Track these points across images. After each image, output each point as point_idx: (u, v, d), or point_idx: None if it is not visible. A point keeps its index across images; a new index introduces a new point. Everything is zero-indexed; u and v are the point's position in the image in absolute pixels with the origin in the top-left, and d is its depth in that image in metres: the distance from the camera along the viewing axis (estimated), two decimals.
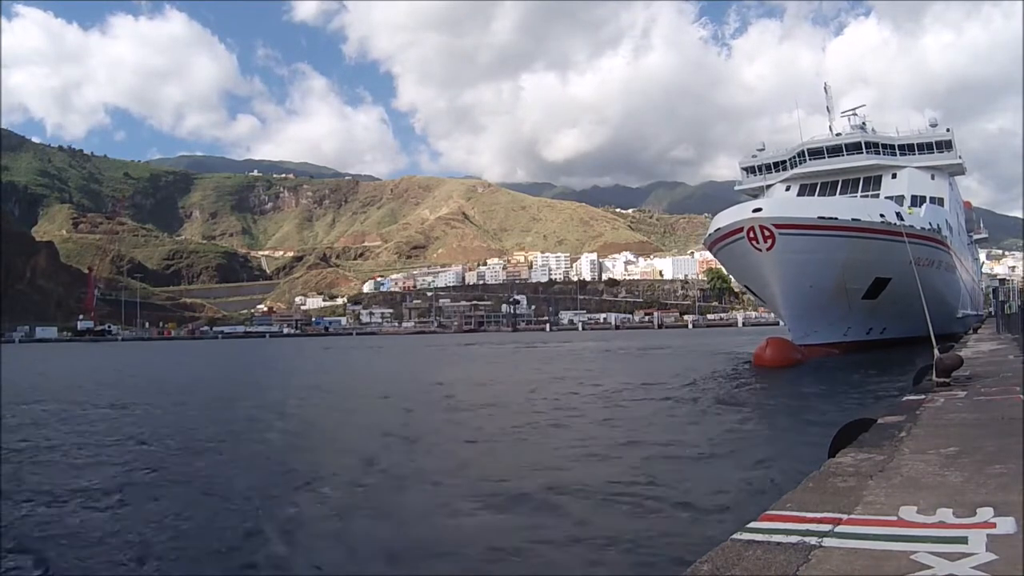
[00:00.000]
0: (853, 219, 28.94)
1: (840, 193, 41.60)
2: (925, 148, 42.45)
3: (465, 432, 13.52)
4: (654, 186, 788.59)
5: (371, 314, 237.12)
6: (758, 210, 27.85)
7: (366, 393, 23.42)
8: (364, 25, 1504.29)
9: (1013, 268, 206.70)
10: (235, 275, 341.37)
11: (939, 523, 3.26)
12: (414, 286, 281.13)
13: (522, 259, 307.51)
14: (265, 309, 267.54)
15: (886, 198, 37.67)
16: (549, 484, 8.81)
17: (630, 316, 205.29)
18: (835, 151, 42.68)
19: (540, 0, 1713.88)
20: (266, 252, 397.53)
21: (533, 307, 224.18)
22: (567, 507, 7.67)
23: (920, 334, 15.73)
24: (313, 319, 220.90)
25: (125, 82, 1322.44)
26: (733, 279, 79.63)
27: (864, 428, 6.20)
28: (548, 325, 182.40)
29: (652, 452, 10.78)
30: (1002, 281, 73.31)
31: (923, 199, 39.36)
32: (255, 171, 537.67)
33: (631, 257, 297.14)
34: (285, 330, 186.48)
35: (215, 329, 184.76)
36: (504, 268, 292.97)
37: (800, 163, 43.99)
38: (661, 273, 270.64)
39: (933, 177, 42.29)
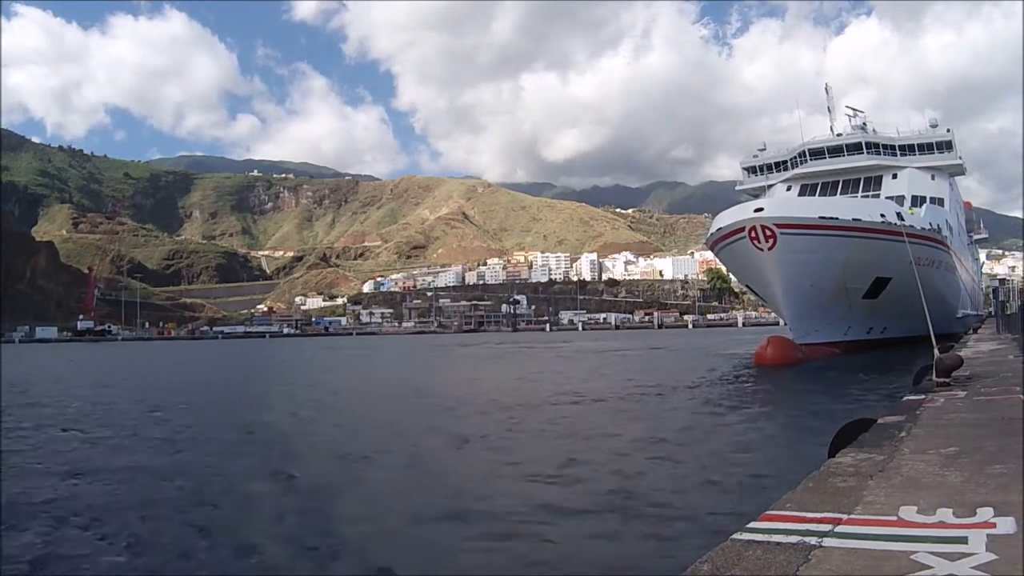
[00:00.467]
0: (854, 219, 29.05)
1: (841, 193, 41.68)
2: (925, 148, 42.55)
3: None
4: (654, 186, 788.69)
5: (371, 314, 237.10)
6: (759, 210, 27.98)
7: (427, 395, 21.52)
8: (364, 24, 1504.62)
9: (1013, 268, 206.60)
10: (235, 275, 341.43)
11: (939, 523, 3.26)
12: (414, 286, 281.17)
13: (522, 259, 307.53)
14: (265, 309, 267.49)
15: (887, 198, 37.75)
16: (549, 485, 8.83)
17: (630, 316, 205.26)
18: (836, 151, 42.77)
19: (540, 0, 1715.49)
20: (266, 252, 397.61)
21: (533, 307, 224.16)
22: (567, 507, 7.68)
23: (920, 334, 15.74)
24: (313, 319, 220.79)
25: (125, 82, 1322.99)
26: (733, 279, 79.72)
27: (864, 428, 6.20)
28: (548, 325, 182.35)
29: (652, 451, 10.78)
30: (1002, 281, 73.23)
31: (923, 199, 39.43)
32: (255, 171, 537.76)
33: (631, 257, 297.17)
34: (285, 330, 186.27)
35: (215, 329, 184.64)
36: (504, 268, 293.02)
37: (801, 163, 44.07)
38: (661, 273, 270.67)
39: (933, 177, 42.38)
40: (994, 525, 3.15)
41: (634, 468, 9.59)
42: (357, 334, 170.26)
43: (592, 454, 10.83)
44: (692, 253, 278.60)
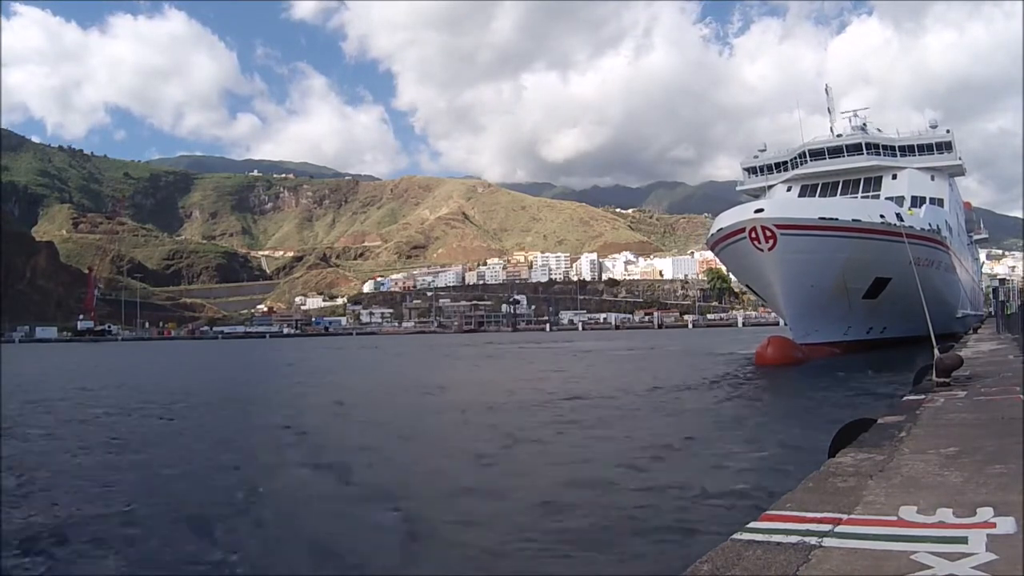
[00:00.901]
0: (853, 220, 29.14)
1: (841, 194, 41.77)
2: (925, 149, 42.62)
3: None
4: (654, 186, 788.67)
5: (371, 314, 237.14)
6: (760, 211, 28.09)
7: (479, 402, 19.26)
8: (364, 23, 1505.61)
9: (1013, 268, 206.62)
10: (235, 275, 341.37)
11: (939, 523, 3.26)
12: (414, 286, 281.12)
13: (522, 259, 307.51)
14: (265, 309, 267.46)
15: (886, 199, 37.81)
16: (549, 484, 8.83)
17: (630, 316, 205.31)
18: (836, 152, 42.85)
19: (540, 0, 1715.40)
20: (266, 252, 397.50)
21: (533, 307, 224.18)
22: (566, 507, 7.69)
23: (920, 334, 15.75)
24: (313, 319, 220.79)
25: (125, 81, 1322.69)
26: (733, 279, 79.78)
27: (864, 428, 6.20)
28: (548, 325, 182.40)
29: (652, 451, 10.78)
30: (1002, 281, 73.30)
31: (923, 200, 39.53)
32: (255, 171, 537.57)
33: (631, 257, 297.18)
34: (285, 330, 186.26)
35: (215, 329, 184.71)
36: (504, 268, 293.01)
37: (801, 164, 44.15)
38: (661, 273, 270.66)
39: (933, 178, 42.46)
40: (994, 525, 3.14)
41: (634, 468, 9.59)
42: (357, 334, 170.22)
43: (592, 454, 10.84)
44: (692, 253, 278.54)
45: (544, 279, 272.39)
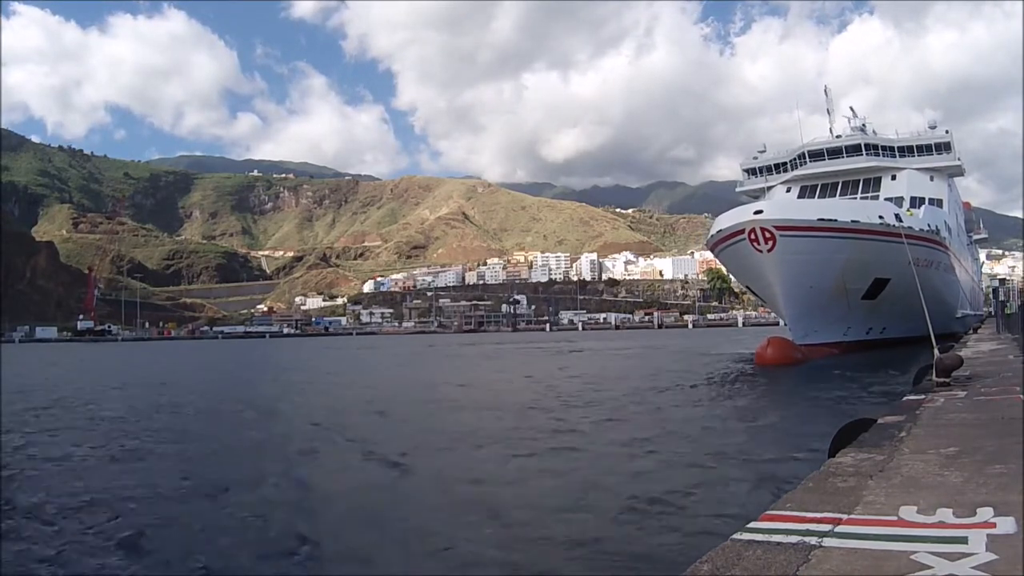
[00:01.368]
0: (852, 221, 29.19)
1: (840, 195, 41.80)
2: (924, 150, 42.65)
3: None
4: (654, 186, 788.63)
5: (371, 314, 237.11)
6: (759, 212, 28.18)
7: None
8: (363, 22, 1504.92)
9: (1013, 268, 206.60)
10: (235, 275, 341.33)
11: (939, 523, 3.26)
12: (414, 286, 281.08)
13: (522, 259, 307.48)
14: (265, 309, 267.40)
15: (885, 200, 37.83)
16: (548, 485, 8.84)
17: (630, 316, 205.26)
18: (835, 153, 42.89)
19: (541, 0, 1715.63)
20: (266, 252, 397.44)
21: (533, 307, 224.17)
22: (566, 507, 7.69)
23: (919, 334, 15.75)
24: (313, 319, 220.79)
25: (125, 81, 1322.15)
26: (733, 279, 79.74)
27: (864, 428, 6.20)
28: (548, 325, 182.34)
29: (652, 451, 10.79)
30: (1002, 281, 73.32)
31: (922, 200, 39.57)
32: (255, 171, 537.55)
33: (631, 257, 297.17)
34: (285, 330, 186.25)
35: (215, 329, 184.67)
36: (504, 268, 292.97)
37: (800, 165, 44.18)
38: (661, 273, 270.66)
39: (932, 179, 42.49)
40: (994, 525, 3.14)
41: (634, 468, 9.60)
42: (357, 334, 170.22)
43: (593, 453, 10.85)
44: (692, 253, 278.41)
45: (544, 279, 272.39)
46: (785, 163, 45.71)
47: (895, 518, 3.36)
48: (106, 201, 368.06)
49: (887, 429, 6.06)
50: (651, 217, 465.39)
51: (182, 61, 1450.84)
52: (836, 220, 28.80)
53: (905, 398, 8.72)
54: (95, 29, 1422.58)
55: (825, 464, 4.83)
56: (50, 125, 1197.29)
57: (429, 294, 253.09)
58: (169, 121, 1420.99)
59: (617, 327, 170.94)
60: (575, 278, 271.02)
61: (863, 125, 45.70)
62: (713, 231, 31.09)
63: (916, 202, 39.33)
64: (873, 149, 42.33)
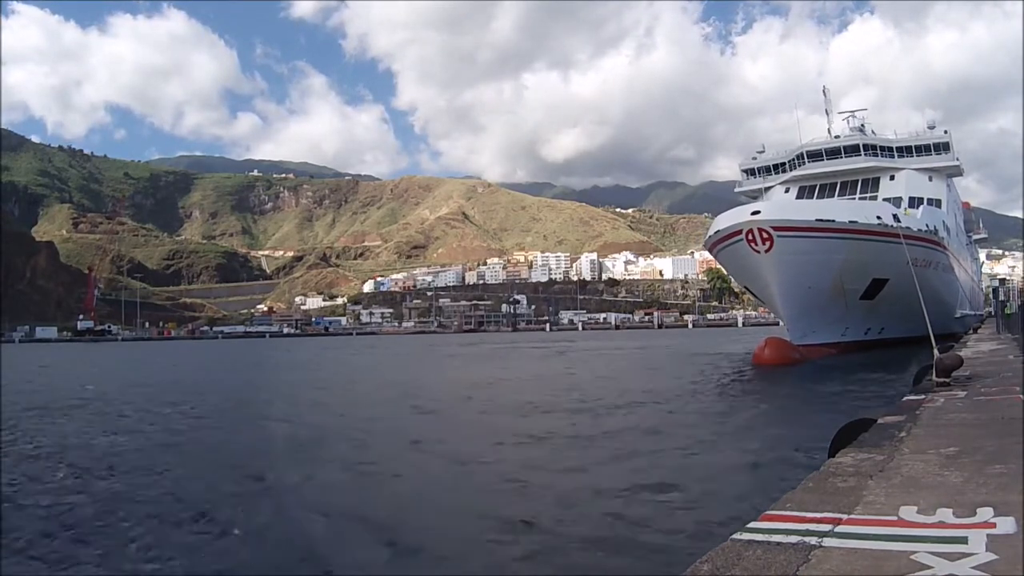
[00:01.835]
0: (850, 221, 29.19)
1: (839, 195, 41.79)
2: (923, 150, 42.62)
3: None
4: (654, 186, 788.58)
5: (371, 314, 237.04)
6: (756, 213, 28.21)
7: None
8: (363, 22, 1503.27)
9: (1013, 268, 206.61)
10: (235, 275, 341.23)
11: (939, 523, 3.26)
12: (414, 286, 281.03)
13: (522, 259, 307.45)
14: (265, 309, 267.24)
15: (884, 200, 37.83)
16: (546, 485, 8.84)
17: (630, 316, 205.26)
18: (834, 153, 42.87)
19: (541, 0, 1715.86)
20: (266, 252, 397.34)
21: (533, 307, 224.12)
22: (565, 507, 7.69)
23: (918, 334, 15.75)
24: (313, 319, 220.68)
25: (125, 80, 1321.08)
26: (733, 279, 79.72)
27: (864, 428, 6.20)
28: (548, 325, 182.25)
29: (652, 452, 10.79)
30: (1002, 281, 73.32)
31: (920, 201, 39.57)
32: (255, 171, 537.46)
33: (631, 257, 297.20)
34: (285, 330, 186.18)
35: (215, 329, 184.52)
36: (504, 268, 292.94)
37: (799, 165, 44.17)
38: (661, 273, 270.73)
39: (931, 179, 42.45)
40: (994, 525, 3.15)
41: (634, 468, 9.60)
42: (357, 334, 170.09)
43: (593, 453, 10.85)
44: (692, 253, 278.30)
45: (544, 279, 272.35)
46: (784, 163, 45.72)
47: (895, 518, 3.36)
48: (106, 201, 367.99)
49: (887, 429, 6.06)
50: (651, 217, 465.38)
51: (182, 61, 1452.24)
52: (834, 220, 28.80)
53: (905, 398, 8.72)
54: (95, 29, 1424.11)
55: (825, 464, 4.83)
56: (50, 125, 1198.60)
57: (429, 294, 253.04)
58: (169, 121, 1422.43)
59: (617, 327, 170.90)
60: (575, 278, 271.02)
61: (862, 125, 45.69)
62: (711, 232, 31.13)
63: (914, 202, 39.33)
64: (871, 149, 42.32)
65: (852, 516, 3.41)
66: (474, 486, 9.16)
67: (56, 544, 6.94)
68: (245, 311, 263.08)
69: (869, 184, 42.03)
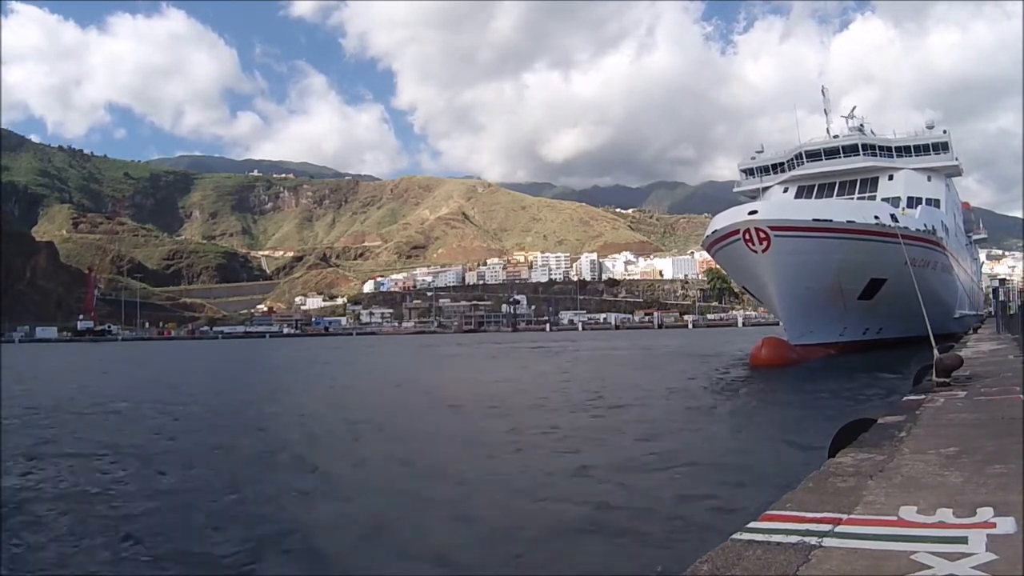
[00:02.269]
0: (848, 221, 29.12)
1: (837, 195, 41.74)
2: (921, 150, 42.57)
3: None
4: (654, 186, 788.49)
5: (371, 314, 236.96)
6: (754, 212, 28.17)
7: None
8: (363, 20, 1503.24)
9: (1013, 268, 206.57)
10: (235, 275, 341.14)
11: (939, 523, 3.26)
12: (414, 286, 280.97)
13: (522, 259, 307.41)
14: (265, 309, 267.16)
15: (882, 200, 37.75)
16: (548, 484, 8.83)
17: (630, 316, 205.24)
18: (832, 153, 42.82)
19: (541, 0, 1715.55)
20: (266, 252, 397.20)
21: (533, 307, 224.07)
22: (565, 507, 7.69)
23: (917, 334, 15.73)
24: (313, 319, 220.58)
25: (125, 80, 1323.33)
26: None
27: (864, 428, 6.20)
28: (548, 325, 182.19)
29: (652, 451, 10.79)
30: (1002, 281, 73.25)
31: (919, 200, 39.50)
32: (255, 171, 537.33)
33: (631, 257, 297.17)
34: (285, 330, 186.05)
35: (215, 329, 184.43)
36: (504, 268, 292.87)
37: (798, 165, 44.14)
38: (661, 273, 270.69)
39: (929, 179, 42.39)
40: (994, 525, 3.15)
41: (634, 468, 9.60)
42: (357, 334, 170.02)
43: (594, 453, 10.85)
44: (692, 253, 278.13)
45: (544, 279, 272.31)
46: (782, 163, 45.68)
47: (895, 518, 3.36)
48: (106, 201, 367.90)
49: (887, 429, 6.06)
50: (651, 217, 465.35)
51: (182, 60, 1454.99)
52: (831, 220, 28.73)
53: (905, 398, 8.72)
54: (94, 28, 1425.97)
55: (825, 464, 4.83)
56: (50, 124, 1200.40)
57: (429, 294, 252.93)
58: (169, 120, 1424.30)
59: (617, 327, 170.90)
60: (575, 278, 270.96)
61: (861, 125, 45.65)
62: (708, 231, 31.09)
63: (913, 202, 39.26)
64: (870, 149, 42.26)
65: (852, 516, 3.41)
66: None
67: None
68: (245, 311, 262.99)
69: (867, 184, 41.99)
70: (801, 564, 2.75)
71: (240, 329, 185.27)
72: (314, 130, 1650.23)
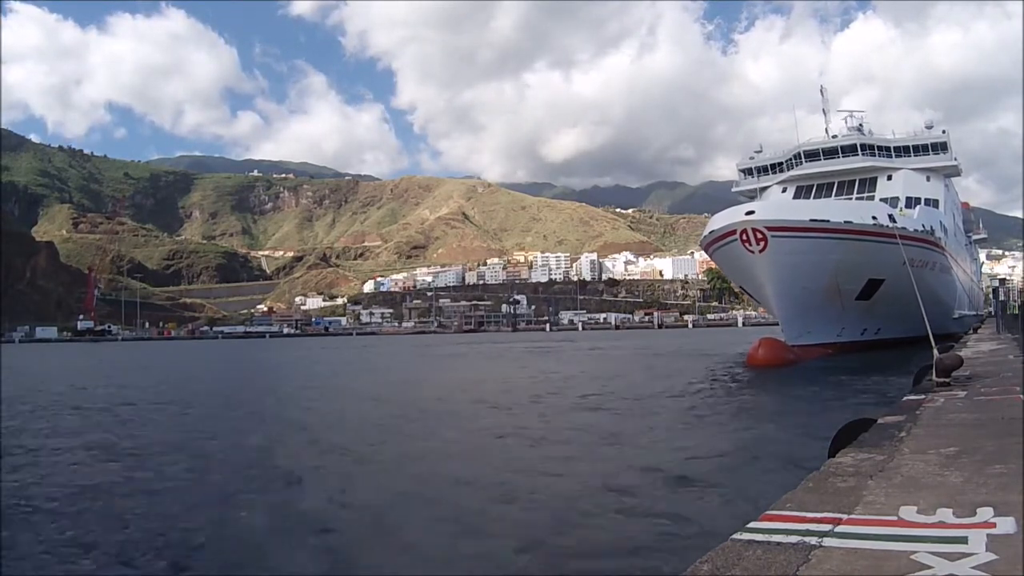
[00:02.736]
0: (845, 221, 29.09)
1: (836, 195, 41.71)
2: (920, 150, 42.53)
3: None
4: (654, 186, 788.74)
5: (371, 314, 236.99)
6: (751, 213, 28.17)
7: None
8: (363, 19, 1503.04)
9: (1013, 268, 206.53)
10: (235, 275, 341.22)
11: (939, 523, 3.26)
12: (414, 286, 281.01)
13: (522, 259, 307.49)
14: (265, 309, 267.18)
15: (881, 200, 37.70)
16: (547, 485, 8.83)
17: (630, 316, 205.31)
18: (831, 153, 42.79)
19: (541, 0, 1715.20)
20: (266, 252, 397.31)
21: (533, 307, 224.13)
22: (565, 507, 7.69)
23: (915, 335, 15.72)
24: (313, 319, 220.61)
25: (125, 79, 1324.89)
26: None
27: (864, 428, 6.20)
28: (548, 325, 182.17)
29: (652, 451, 10.79)
30: (1002, 281, 73.23)
31: (918, 201, 39.43)
32: (255, 171, 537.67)
33: (631, 257, 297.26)
34: (285, 330, 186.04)
35: (215, 329, 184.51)
36: (504, 268, 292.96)
37: (796, 165, 44.10)
38: (661, 273, 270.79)
39: (928, 179, 42.34)
40: (994, 525, 3.15)
41: (634, 468, 9.59)
42: (357, 334, 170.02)
43: (595, 453, 10.85)
44: (692, 253, 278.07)
45: (544, 279, 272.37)
46: (781, 163, 45.62)
47: (895, 518, 3.36)
48: (106, 201, 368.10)
49: (887, 429, 6.05)
50: (651, 217, 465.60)
51: (182, 59, 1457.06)
52: (828, 221, 28.70)
53: (905, 398, 8.71)
54: (94, 28, 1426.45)
55: (825, 464, 4.82)
56: (50, 124, 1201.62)
57: (429, 294, 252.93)
58: (169, 120, 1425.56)
59: (617, 327, 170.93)
60: (575, 278, 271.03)
61: (860, 125, 45.59)
62: (706, 231, 31.06)
63: (911, 202, 39.19)
64: (869, 149, 42.21)
65: (852, 516, 3.40)
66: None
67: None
68: (245, 311, 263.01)
69: (866, 184, 41.94)
70: (801, 564, 2.75)
71: (240, 329, 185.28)
72: (314, 130, 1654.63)
